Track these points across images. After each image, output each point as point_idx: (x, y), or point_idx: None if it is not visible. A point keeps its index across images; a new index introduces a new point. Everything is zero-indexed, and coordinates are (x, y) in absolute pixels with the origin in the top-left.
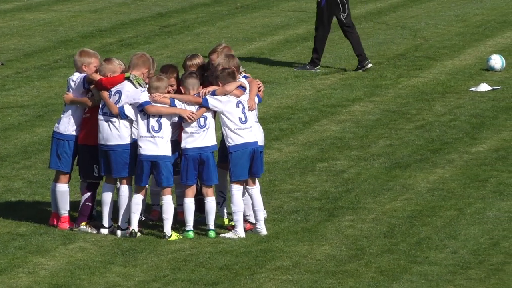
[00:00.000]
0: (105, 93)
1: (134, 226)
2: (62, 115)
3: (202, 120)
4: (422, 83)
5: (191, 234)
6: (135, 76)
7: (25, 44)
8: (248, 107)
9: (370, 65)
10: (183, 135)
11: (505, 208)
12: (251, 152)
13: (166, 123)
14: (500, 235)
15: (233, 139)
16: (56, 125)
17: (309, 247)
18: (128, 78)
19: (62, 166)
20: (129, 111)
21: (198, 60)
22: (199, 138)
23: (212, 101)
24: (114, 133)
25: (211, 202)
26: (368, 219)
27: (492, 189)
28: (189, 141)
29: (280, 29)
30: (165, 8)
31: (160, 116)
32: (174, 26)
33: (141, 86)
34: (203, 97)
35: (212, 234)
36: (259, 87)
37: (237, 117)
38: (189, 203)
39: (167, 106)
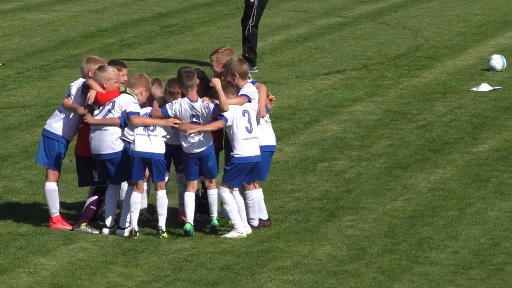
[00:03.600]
0: (93, 119)
1: (134, 225)
2: (55, 115)
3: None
4: (423, 83)
5: (188, 226)
6: (132, 90)
7: (26, 44)
8: (259, 114)
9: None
10: (181, 137)
11: (506, 208)
12: (253, 165)
13: None
14: (501, 235)
15: (238, 151)
16: (48, 122)
17: (310, 247)
18: (124, 92)
19: (49, 163)
20: None
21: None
22: (197, 140)
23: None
24: (106, 143)
25: (213, 195)
26: (369, 219)
27: (493, 189)
28: (187, 143)
29: (281, 29)
30: (166, 8)
31: None
32: (175, 26)
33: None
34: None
35: (215, 222)
36: (271, 99)
37: (243, 126)
38: (189, 197)
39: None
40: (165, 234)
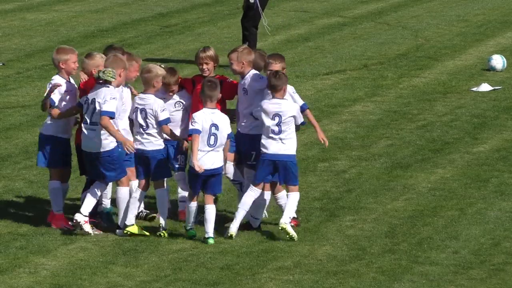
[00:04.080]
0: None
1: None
2: (48, 116)
3: (212, 138)
4: (423, 83)
5: (192, 232)
6: (103, 72)
7: (26, 44)
8: (323, 141)
9: None
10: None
11: (506, 208)
12: (272, 163)
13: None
14: (501, 235)
15: (262, 147)
16: (42, 124)
17: (310, 247)
18: (98, 78)
19: (49, 163)
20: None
21: (212, 52)
22: (207, 157)
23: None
24: (96, 142)
25: (210, 209)
26: (369, 219)
27: (493, 189)
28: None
29: (281, 29)
30: (166, 8)
31: (148, 117)
32: (175, 26)
33: (112, 78)
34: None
35: (211, 241)
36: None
37: (269, 129)
38: (193, 207)
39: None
40: (165, 233)
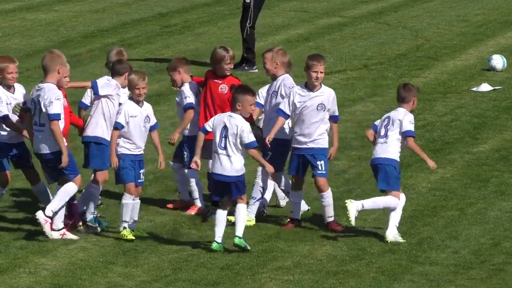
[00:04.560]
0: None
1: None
2: None
3: (223, 141)
4: (423, 83)
5: (219, 246)
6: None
7: (26, 44)
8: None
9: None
10: (212, 162)
11: (506, 208)
12: (375, 166)
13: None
14: (501, 235)
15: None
16: None
17: (310, 247)
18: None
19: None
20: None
21: (232, 52)
22: (219, 161)
23: None
24: (46, 143)
25: (222, 215)
26: (369, 219)
27: (493, 189)
28: (211, 163)
29: (281, 29)
30: (166, 8)
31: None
32: (175, 26)
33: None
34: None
35: (238, 242)
36: None
37: (379, 131)
38: (220, 215)
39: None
40: (128, 235)
